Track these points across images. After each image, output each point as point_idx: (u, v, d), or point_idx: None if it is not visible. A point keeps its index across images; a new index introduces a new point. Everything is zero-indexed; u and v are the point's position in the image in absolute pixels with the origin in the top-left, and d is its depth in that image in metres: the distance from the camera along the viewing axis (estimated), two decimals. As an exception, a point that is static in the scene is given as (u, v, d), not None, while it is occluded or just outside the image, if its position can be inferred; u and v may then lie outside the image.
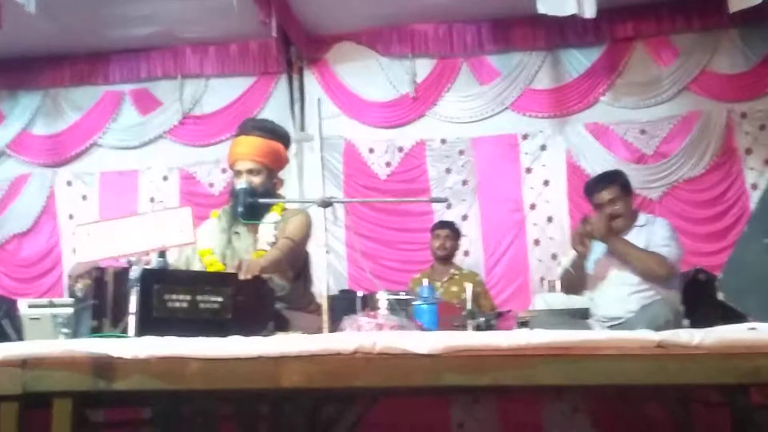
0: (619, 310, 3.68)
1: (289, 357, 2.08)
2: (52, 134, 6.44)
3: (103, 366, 2.10)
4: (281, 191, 3.65)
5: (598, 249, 3.99)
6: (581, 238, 3.89)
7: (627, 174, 4.22)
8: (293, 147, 5.02)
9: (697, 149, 5.85)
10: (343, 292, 5.11)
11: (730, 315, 3.16)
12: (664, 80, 5.98)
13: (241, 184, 3.32)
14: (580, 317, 3.93)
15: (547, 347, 2.02)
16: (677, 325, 3.32)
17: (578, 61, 6.09)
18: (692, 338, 1.94)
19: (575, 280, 3.97)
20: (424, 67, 6.23)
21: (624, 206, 3.90)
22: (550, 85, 6.10)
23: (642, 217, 3.97)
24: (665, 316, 3.36)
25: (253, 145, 3.42)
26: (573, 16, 4.79)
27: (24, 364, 2.11)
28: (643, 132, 5.95)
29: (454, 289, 5.06)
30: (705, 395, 4.18)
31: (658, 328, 2.83)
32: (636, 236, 3.83)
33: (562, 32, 6.00)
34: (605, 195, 3.93)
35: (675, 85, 5.96)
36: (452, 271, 5.26)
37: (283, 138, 3.62)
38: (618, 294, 3.74)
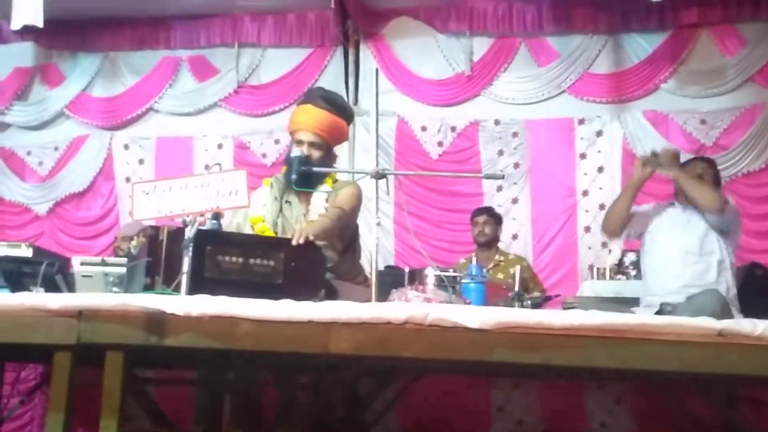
0: (676, 283, 3.61)
1: (340, 323, 2.09)
2: (110, 97, 6.50)
3: (156, 321, 2.13)
4: (335, 165, 3.66)
5: (660, 214, 3.94)
6: (644, 166, 3.86)
7: None
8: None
9: (758, 143, 5.68)
10: (388, 268, 5.10)
11: (789, 310, 3.08)
12: (728, 70, 5.80)
13: (296, 152, 3.33)
14: (629, 305, 3.86)
15: (601, 329, 1.99)
16: (725, 316, 3.24)
17: (640, 46, 5.94)
18: (755, 328, 1.89)
19: (624, 203, 3.91)
20: (481, 45, 6.13)
21: (710, 182, 3.86)
22: (610, 69, 5.96)
23: None
24: (712, 307, 3.27)
25: (318, 117, 3.41)
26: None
27: (80, 315, 2.15)
28: (703, 122, 5.79)
29: (500, 276, 4.99)
30: (754, 393, 4.10)
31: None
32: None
33: (624, 16, 5.87)
34: (699, 164, 3.97)
35: (739, 76, 5.77)
36: (497, 257, 5.18)
37: (348, 115, 3.64)
38: (676, 269, 3.67)
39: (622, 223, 3.95)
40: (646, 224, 3.94)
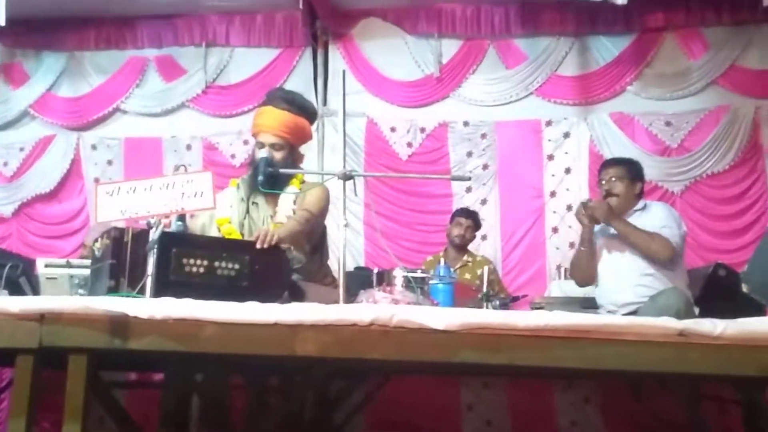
0: (629, 296, 3.66)
1: (305, 325, 2.08)
2: (76, 97, 6.41)
3: (120, 324, 2.10)
4: (302, 166, 3.64)
5: (599, 234, 3.99)
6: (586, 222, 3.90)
7: (647, 165, 4.17)
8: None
9: (722, 144, 5.77)
10: (358, 268, 5.09)
11: (751, 310, 3.14)
12: (692, 73, 5.90)
13: (262, 153, 3.33)
14: (593, 305, 3.91)
15: (566, 330, 2.00)
16: (688, 314, 3.29)
17: (606, 49, 6.01)
18: (715, 328, 1.92)
19: (585, 258, 3.94)
20: (450, 47, 6.16)
21: (623, 189, 3.89)
22: (577, 71, 6.02)
23: (641, 203, 3.94)
24: (676, 305, 3.32)
25: (278, 119, 3.39)
26: (604, 3, 4.73)
27: (42, 318, 2.12)
28: (668, 124, 5.87)
29: (467, 276, 5.01)
30: (717, 391, 4.17)
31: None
32: (635, 221, 3.81)
33: (591, 19, 5.93)
34: (610, 172, 3.96)
35: (703, 79, 5.87)
36: (465, 257, 5.19)
37: (310, 114, 3.61)
38: (627, 280, 3.71)
39: (592, 272, 3.97)
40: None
